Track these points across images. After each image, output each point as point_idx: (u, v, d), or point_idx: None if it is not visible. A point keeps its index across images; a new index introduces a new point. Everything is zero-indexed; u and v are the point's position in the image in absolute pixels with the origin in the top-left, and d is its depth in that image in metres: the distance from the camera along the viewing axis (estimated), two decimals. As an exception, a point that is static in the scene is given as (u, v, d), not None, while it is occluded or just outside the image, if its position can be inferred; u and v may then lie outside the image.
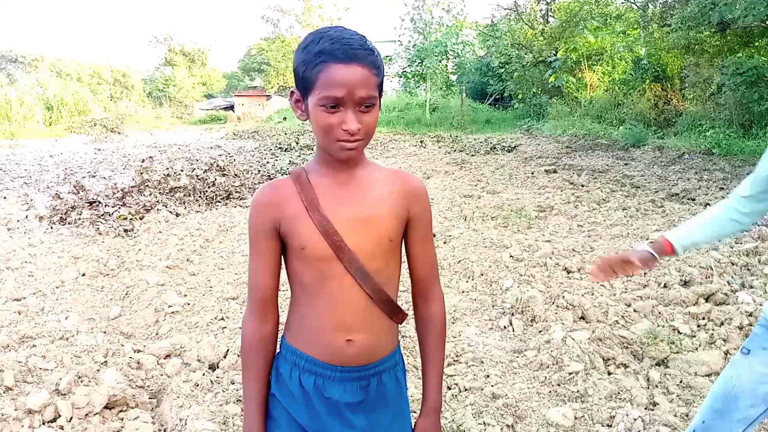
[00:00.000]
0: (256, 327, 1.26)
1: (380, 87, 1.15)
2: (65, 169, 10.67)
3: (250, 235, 1.24)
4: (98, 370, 2.98)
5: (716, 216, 1.60)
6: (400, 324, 1.31)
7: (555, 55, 18.66)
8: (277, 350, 1.31)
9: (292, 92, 1.20)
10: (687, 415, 2.47)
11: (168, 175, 8.59)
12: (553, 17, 20.84)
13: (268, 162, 11.45)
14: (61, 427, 2.54)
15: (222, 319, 3.73)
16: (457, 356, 3.13)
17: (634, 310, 3.50)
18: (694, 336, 3.20)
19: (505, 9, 22.03)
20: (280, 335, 1.32)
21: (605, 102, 16.14)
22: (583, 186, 7.81)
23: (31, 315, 3.76)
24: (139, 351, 3.24)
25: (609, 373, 2.89)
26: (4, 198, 7.67)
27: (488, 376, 2.89)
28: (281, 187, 1.22)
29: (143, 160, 10.83)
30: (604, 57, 18.19)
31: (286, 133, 17.66)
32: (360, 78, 1.08)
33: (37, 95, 22.71)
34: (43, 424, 2.57)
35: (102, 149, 14.63)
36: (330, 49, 1.08)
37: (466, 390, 2.77)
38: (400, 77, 23.56)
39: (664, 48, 14.99)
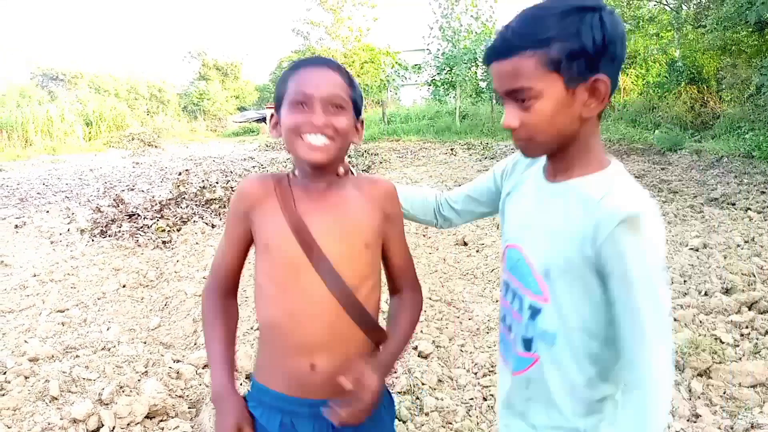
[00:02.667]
0: (218, 296, 1.27)
1: (354, 101, 1.15)
2: (105, 183, 10.98)
3: (227, 218, 1.26)
4: (139, 380, 3.05)
5: (421, 195, 1.47)
6: (378, 345, 1.22)
7: (587, 59, 18.43)
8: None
9: (272, 116, 1.22)
10: (731, 428, 2.40)
11: (204, 187, 8.77)
12: (584, 21, 20.62)
13: (300, 173, 11.60)
14: (105, 436, 2.61)
15: (258, 329, 3.78)
16: (492, 367, 3.10)
17: (675, 319, 3.43)
18: (738, 345, 3.11)
19: (535, 14, 21.88)
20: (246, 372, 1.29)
21: (639, 105, 15.87)
22: (618, 192, 7.67)
23: (74, 326, 3.87)
24: (178, 361, 3.31)
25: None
26: (47, 212, 7.94)
27: (524, 387, 2.86)
28: (265, 182, 1.21)
29: (180, 173, 11.08)
30: (637, 60, 17.91)
31: (317, 144, 17.83)
32: (328, 78, 1.11)
33: (77, 111, 23.46)
34: (87, 433, 2.65)
35: (140, 163, 15.01)
36: (303, 60, 1.16)
37: (502, 401, 2.75)
38: (429, 85, 23.57)
39: (699, 49, 14.69)
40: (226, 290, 1.27)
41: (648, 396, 0.95)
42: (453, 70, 20.94)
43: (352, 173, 1.28)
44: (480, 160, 12.34)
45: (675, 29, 16.41)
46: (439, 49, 21.98)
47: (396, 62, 25.76)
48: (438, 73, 22.25)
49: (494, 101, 20.84)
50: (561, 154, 1.06)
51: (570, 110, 0.99)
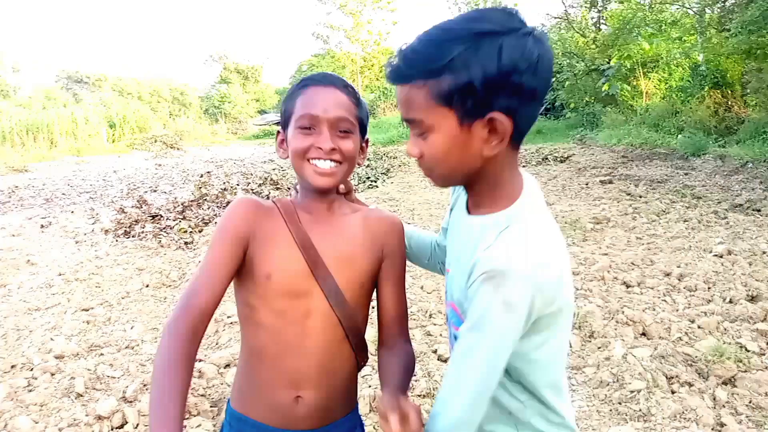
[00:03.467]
0: (188, 339, 1.00)
1: (360, 122, 1.12)
2: (128, 184, 11.15)
3: (217, 235, 1.10)
4: (163, 379, 3.09)
5: (426, 237, 1.40)
6: (362, 366, 1.21)
7: (608, 62, 18.26)
8: (222, 417, 1.17)
9: (278, 132, 1.19)
10: (758, 437, 2.37)
11: (225, 189, 8.87)
12: (605, 25, 20.44)
13: (319, 175, 11.66)
14: (129, 433, 2.65)
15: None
16: (512, 371, 3.09)
17: (699, 327, 3.38)
18: (764, 354, 3.06)
19: (555, 18, 21.77)
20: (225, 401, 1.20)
21: (662, 110, 15.66)
22: (641, 197, 7.59)
23: (99, 324, 3.94)
24: (200, 360, 3.34)
25: (673, 392, 2.80)
26: (72, 212, 8.08)
27: (546, 392, 2.84)
28: (265, 204, 1.15)
29: (201, 175, 11.21)
30: (659, 64, 17.67)
31: (336, 147, 17.89)
32: (336, 99, 1.08)
33: (101, 114, 23.85)
34: (112, 430, 2.69)
35: (162, 165, 15.21)
36: (311, 77, 1.12)
37: (523, 406, 2.74)
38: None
39: (723, 53, 14.45)
40: (196, 332, 1.01)
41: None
42: (473, 74, 20.87)
43: (351, 193, 1.27)
44: (499, 164, 12.29)
45: (698, 33, 16.18)
46: (459, 53, 21.94)
47: (415, 66, 25.76)
48: (457, 77, 22.20)
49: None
50: (470, 189, 1.01)
51: (467, 147, 0.90)
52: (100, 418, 2.73)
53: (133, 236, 6.36)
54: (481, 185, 0.98)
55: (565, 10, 20.97)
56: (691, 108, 14.51)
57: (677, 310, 3.67)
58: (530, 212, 0.95)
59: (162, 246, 5.92)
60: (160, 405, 0.93)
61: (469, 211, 1.04)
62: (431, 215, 6.91)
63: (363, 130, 1.15)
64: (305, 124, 1.07)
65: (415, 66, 0.88)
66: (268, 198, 8.03)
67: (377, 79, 27.62)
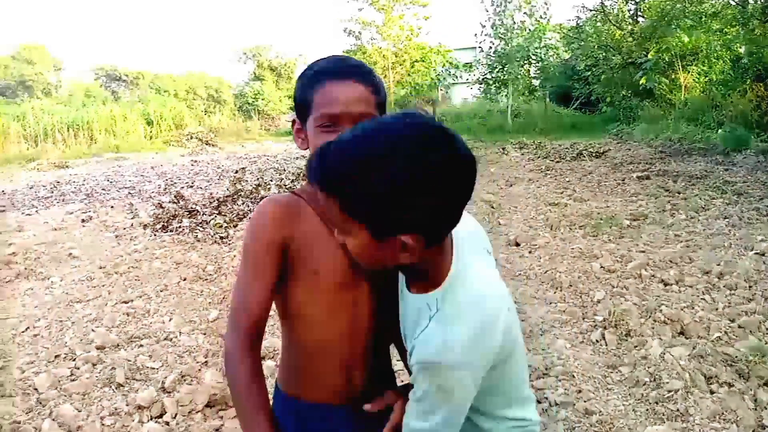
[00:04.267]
0: (255, 355, 1.07)
1: (381, 108, 1.11)
2: (165, 180, 11.38)
3: (251, 249, 1.09)
4: (199, 370, 3.17)
5: None
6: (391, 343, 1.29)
7: (645, 55, 17.83)
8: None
9: (293, 121, 1.17)
10: (802, 441, 2.30)
11: (259, 185, 8.99)
12: (643, 17, 19.94)
13: (351, 171, 11.70)
14: (167, 423, 2.72)
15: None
16: (546, 369, 3.06)
17: (739, 326, 3.30)
18: (809, 355, 2.97)
19: (591, 10, 21.32)
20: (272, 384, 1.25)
21: (702, 104, 15.23)
22: (679, 193, 7.41)
23: (138, 316, 4.05)
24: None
25: (711, 392, 2.74)
26: (112, 207, 8.29)
27: (580, 392, 2.81)
28: (291, 203, 1.12)
29: (236, 171, 11.38)
30: (699, 57, 17.16)
31: (368, 143, 17.89)
32: (357, 94, 1.06)
33: (139, 111, 24.35)
34: (151, 419, 2.77)
35: (198, 161, 15.47)
36: (326, 68, 1.09)
37: (557, 405, 2.72)
38: (481, 84, 23.31)
39: (766, 45, 13.97)
40: (258, 343, 1.09)
41: None
42: (505, 68, 20.64)
43: None
44: (532, 160, 12.14)
45: (740, 24, 15.67)
46: (491, 47, 21.70)
47: (447, 61, 25.60)
48: (490, 71, 21.96)
49: (548, 99, 20.42)
50: (401, 271, 1.07)
51: (385, 255, 0.92)
52: (140, 407, 2.81)
53: (170, 231, 6.50)
54: (408, 273, 1.04)
55: (601, 2, 20.50)
56: (731, 102, 14.07)
57: (717, 309, 3.58)
58: (461, 284, 0.96)
59: (198, 240, 6.04)
60: (254, 420, 1.03)
61: (408, 286, 1.07)
62: (464, 213, 6.87)
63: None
64: (326, 122, 1.06)
65: (322, 178, 0.89)
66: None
67: (408, 75, 27.52)
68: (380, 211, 0.85)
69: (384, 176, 0.82)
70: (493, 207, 7.32)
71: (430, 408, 0.95)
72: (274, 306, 1.14)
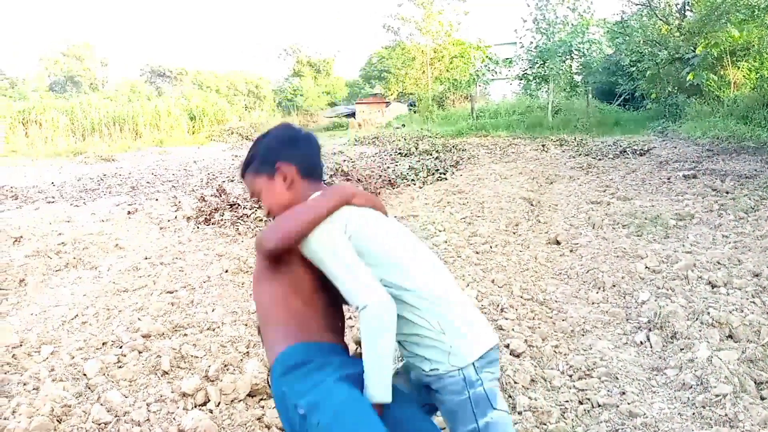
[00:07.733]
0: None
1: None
2: (208, 174, 11.61)
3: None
4: (242, 360, 3.22)
5: None
6: None
7: (693, 51, 17.27)
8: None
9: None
10: None
11: (297, 179, 9.06)
12: (691, 11, 19.31)
13: (388, 167, 11.69)
14: (210, 411, 2.78)
15: (349, 318, 3.88)
16: (588, 370, 3.01)
17: (790, 329, 3.17)
18: None
19: (637, 4, 20.76)
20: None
21: (752, 101, 14.67)
22: (727, 193, 7.16)
23: (182, 307, 4.13)
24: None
25: (762, 398, 2.64)
26: (156, 200, 8.51)
27: (624, 393, 2.75)
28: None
29: (275, 166, 11.50)
30: (750, 52, 16.54)
31: (405, 139, 17.90)
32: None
33: (182, 106, 24.91)
34: (195, 407, 2.83)
35: (238, 156, 15.72)
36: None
37: (599, 406, 2.67)
38: (521, 80, 22.96)
39: (825, 39, 13.35)
40: None
41: None
42: (546, 64, 20.29)
43: None
44: (573, 157, 11.92)
45: (797, 18, 15.02)
46: (532, 42, 21.36)
47: (486, 56, 25.31)
48: (530, 67, 21.62)
49: (591, 95, 19.96)
50: None
51: (280, 190, 1.72)
52: (184, 395, 2.88)
53: (213, 224, 6.63)
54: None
55: (648, -3, 19.95)
56: (785, 99, 13.52)
57: (767, 313, 3.46)
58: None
59: (239, 233, 6.14)
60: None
61: None
62: (501, 208, 6.79)
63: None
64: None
65: (244, 169, 1.78)
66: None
67: (447, 71, 27.32)
68: (270, 154, 1.69)
69: (269, 141, 1.72)
70: (532, 204, 7.22)
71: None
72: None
